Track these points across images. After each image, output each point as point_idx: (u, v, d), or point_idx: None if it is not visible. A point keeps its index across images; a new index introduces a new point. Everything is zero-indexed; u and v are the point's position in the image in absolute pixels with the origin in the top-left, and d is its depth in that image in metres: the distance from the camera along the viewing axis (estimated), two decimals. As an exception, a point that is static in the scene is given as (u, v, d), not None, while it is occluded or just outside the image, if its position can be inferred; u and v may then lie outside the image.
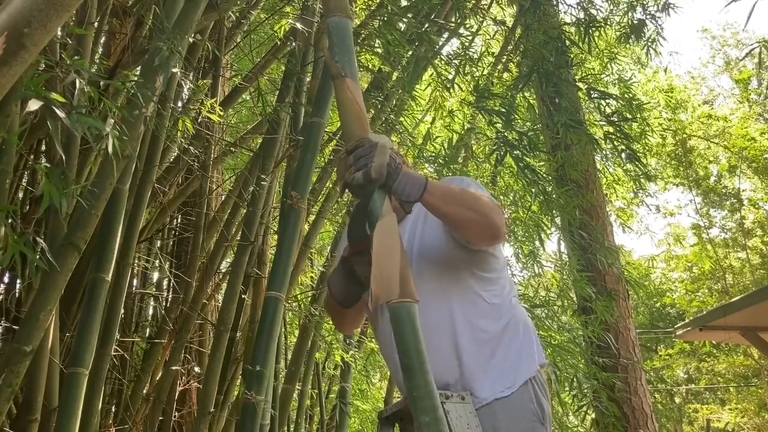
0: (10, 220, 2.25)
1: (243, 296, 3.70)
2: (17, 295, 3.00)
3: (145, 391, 3.58)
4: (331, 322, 4.76)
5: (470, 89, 4.43)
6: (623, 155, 4.57)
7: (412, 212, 1.76)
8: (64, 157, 2.52)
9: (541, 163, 4.94)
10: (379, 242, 1.35)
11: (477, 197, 1.59)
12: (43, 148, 3.25)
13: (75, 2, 1.35)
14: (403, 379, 1.28)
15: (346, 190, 1.49)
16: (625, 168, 5.44)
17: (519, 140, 4.02)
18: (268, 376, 2.80)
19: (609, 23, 5.45)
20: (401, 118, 4.69)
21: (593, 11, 4.85)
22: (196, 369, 3.93)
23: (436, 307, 1.62)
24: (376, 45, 4.13)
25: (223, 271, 4.40)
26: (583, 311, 5.05)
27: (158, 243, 4.48)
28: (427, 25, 4.12)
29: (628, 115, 4.81)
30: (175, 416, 3.70)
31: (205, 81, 4.14)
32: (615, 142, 4.45)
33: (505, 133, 4.03)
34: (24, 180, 3.29)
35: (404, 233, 1.74)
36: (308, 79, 3.76)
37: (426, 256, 1.68)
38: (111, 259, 2.47)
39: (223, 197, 4.59)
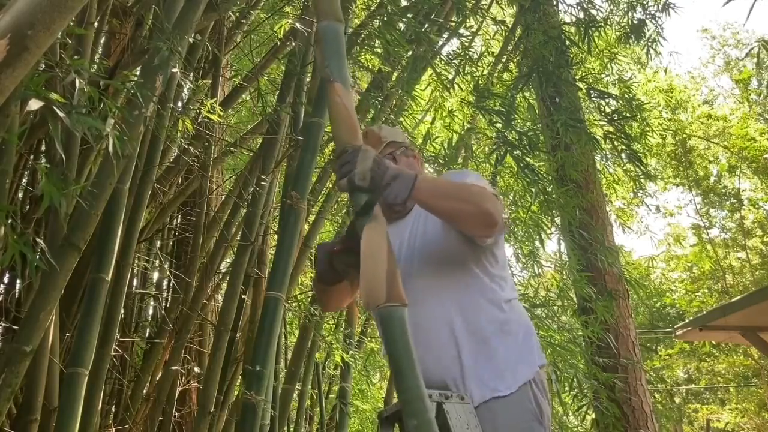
0: (10, 220, 2.25)
1: (243, 296, 3.70)
2: (17, 295, 3.00)
3: (145, 391, 3.58)
4: (331, 322, 4.77)
5: (470, 89, 4.43)
6: (623, 155, 4.57)
7: (415, 209, 1.76)
8: (64, 157, 2.52)
9: (541, 163, 4.94)
10: (367, 247, 1.36)
11: (468, 188, 1.59)
12: (43, 148, 3.25)
13: (78, 4, 1.34)
14: (394, 382, 1.28)
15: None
16: (625, 168, 5.44)
17: (519, 140, 4.02)
18: (268, 376, 2.80)
19: (609, 23, 5.45)
20: (401, 118, 4.69)
21: (593, 11, 4.86)
22: (196, 369, 3.93)
23: (436, 304, 1.62)
24: (376, 45, 4.13)
25: (223, 271, 4.41)
26: (583, 311, 5.05)
27: (158, 243, 4.48)
28: (427, 25, 4.12)
29: (628, 114, 4.81)
30: (175, 416, 3.70)
31: (205, 81, 4.14)
32: (615, 142, 4.45)
33: (505, 133, 4.03)
34: (24, 180, 3.29)
35: (406, 230, 1.75)
36: (308, 79, 3.76)
37: (427, 253, 1.68)
38: (111, 259, 2.47)
39: (223, 197, 4.59)
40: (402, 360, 1.26)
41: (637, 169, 5.08)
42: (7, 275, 3.09)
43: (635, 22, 5.46)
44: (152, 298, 4.48)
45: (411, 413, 1.23)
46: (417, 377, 1.25)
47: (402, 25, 3.92)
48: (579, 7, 4.83)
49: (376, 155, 1.44)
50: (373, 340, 5.30)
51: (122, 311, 3.18)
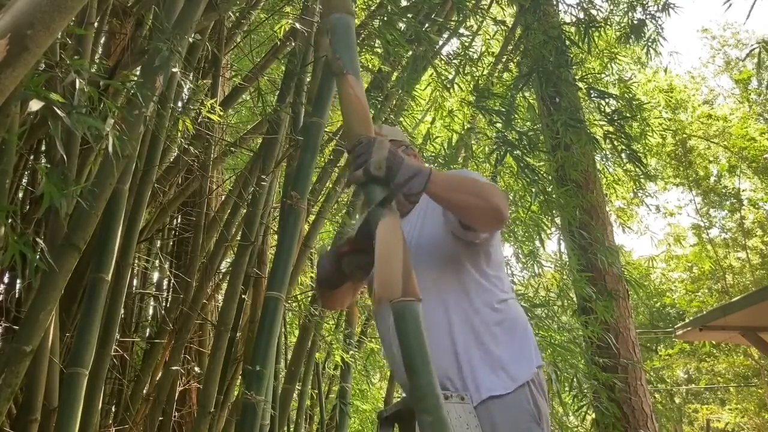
0: (10, 220, 2.25)
1: (243, 296, 3.70)
2: (17, 295, 3.00)
3: (145, 391, 3.58)
4: (331, 322, 4.77)
5: (470, 89, 4.43)
6: (623, 155, 4.57)
7: (414, 209, 1.77)
8: (64, 157, 2.52)
9: (541, 163, 4.94)
10: (382, 241, 1.35)
11: (479, 182, 1.60)
12: (43, 148, 3.25)
13: (78, 4, 1.34)
14: (407, 378, 1.28)
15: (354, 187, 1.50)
16: (625, 168, 5.44)
17: (519, 140, 4.02)
18: (268, 376, 2.80)
19: (609, 23, 5.45)
20: (401, 118, 4.69)
21: (593, 11, 4.86)
22: (196, 369, 3.93)
23: (433, 304, 1.62)
24: (376, 45, 4.13)
25: (223, 271, 4.40)
26: (583, 311, 5.05)
27: (158, 243, 4.48)
28: (427, 25, 4.12)
29: (628, 114, 4.82)
30: (175, 416, 3.70)
31: (205, 81, 4.14)
32: (615, 142, 4.45)
33: (505, 133, 4.03)
34: (24, 180, 3.29)
35: (406, 230, 1.75)
36: (308, 79, 3.76)
37: (424, 252, 1.68)
38: (111, 259, 2.47)
39: (223, 197, 4.59)
40: (416, 356, 1.26)
41: (637, 169, 5.08)
42: (7, 275, 3.09)
43: (635, 22, 5.47)
44: (152, 298, 4.48)
45: (425, 410, 1.22)
46: (431, 373, 1.24)
47: (402, 25, 3.93)
48: (579, 7, 4.83)
49: (390, 146, 1.44)
50: (373, 340, 5.30)
51: (122, 311, 3.18)
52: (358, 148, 1.42)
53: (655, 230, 23.70)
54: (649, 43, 5.49)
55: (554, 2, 5.05)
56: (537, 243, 4.85)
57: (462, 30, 4.61)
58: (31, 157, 3.15)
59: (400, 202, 1.44)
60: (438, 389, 1.25)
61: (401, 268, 1.32)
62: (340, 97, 1.52)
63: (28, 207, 3.15)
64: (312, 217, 4.06)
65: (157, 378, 3.65)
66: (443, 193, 1.52)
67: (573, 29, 4.74)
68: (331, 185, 4.16)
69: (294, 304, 4.11)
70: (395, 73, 4.30)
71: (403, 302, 1.29)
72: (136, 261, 3.79)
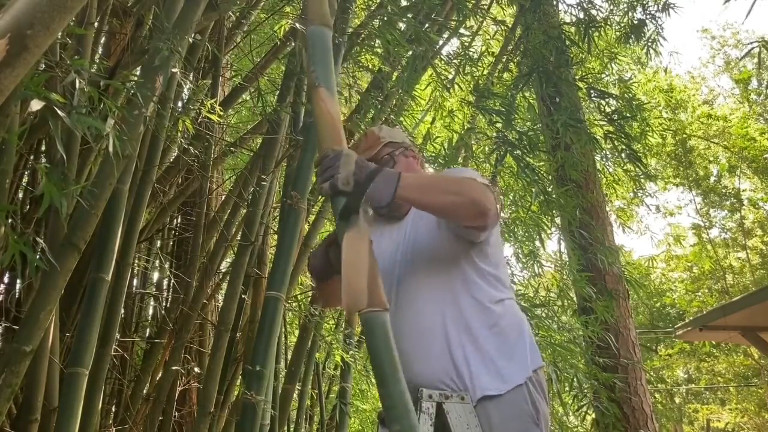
0: (10, 220, 2.25)
1: (243, 296, 3.70)
2: (17, 295, 3.00)
3: (145, 391, 3.58)
4: (331, 322, 4.77)
5: (470, 89, 4.44)
6: (623, 155, 4.58)
7: (412, 209, 1.76)
8: (64, 157, 2.52)
9: (541, 163, 4.94)
10: (348, 253, 1.35)
11: (453, 180, 1.59)
12: (43, 148, 3.25)
13: (78, 3, 1.34)
14: (377, 387, 1.28)
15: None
16: (625, 168, 5.44)
17: (519, 140, 4.02)
18: (268, 376, 2.80)
19: (609, 23, 5.45)
20: (401, 118, 4.69)
21: (593, 11, 4.87)
22: (196, 369, 3.93)
23: (429, 304, 1.62)
24: (376, 45, 4.13)
25: (223, 271, 4.41)
26: (583, 311, 5.05)
27: (158, 243, 4.48)
28: (427, 25, 4.13)
29: (628, 114, 4.82)
30: (175, 416, 3.70)
31: (205, 81, 4.14)
32: (615, 142, 4.45)
33: (505, 133, 4.04)
34: (24, 180, 3.29)
35: (403, 231, 1.75)
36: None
37: (420, 253, 1.68)
38: (111, 259, 2.47)
39: (223, 197, 4.59)
40: (384, 365, 1.26)
41: (637, 169, 5.08)
42: (7, 275, 3.09)
43: (635, 22, 5.47)
44: (152, 298, 4.48)
45: (394, 418, 1.23)
46: (399, 381, 1.25)
47: (402, 25, 3.93)
48: (579, 7, 4.84)
49: (358, 158, 1.43)
50: (373, 340, 5.29)
51: (122, 311, 3.18)
52: (326, 161, 1.42)
53: (655, 230, 23.76)
54: (649, 43, 5.49)
55: (554, 2, 5.05)
56: (537, 243, 4.86)
57: (462, 30, 4.61)
58: (31, 157, 3.14)
59: (380, 212, 1.43)
60: (408, 398, 1.25)
61: (366, 279, 1.31)
62: (313, 109, 1.52)
63: (28, 207, 3.14)
64: (312, 217, 4.06)
65: (157, 378, 3.65)
66: (415, 198, 1.51)
67: (573, 29, 4.74)
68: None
69: (294, 304, 4.11)
70: (395, 73, 4.30)
71: (370, 313, 1.30)
72: (136, 261, 3.79)
